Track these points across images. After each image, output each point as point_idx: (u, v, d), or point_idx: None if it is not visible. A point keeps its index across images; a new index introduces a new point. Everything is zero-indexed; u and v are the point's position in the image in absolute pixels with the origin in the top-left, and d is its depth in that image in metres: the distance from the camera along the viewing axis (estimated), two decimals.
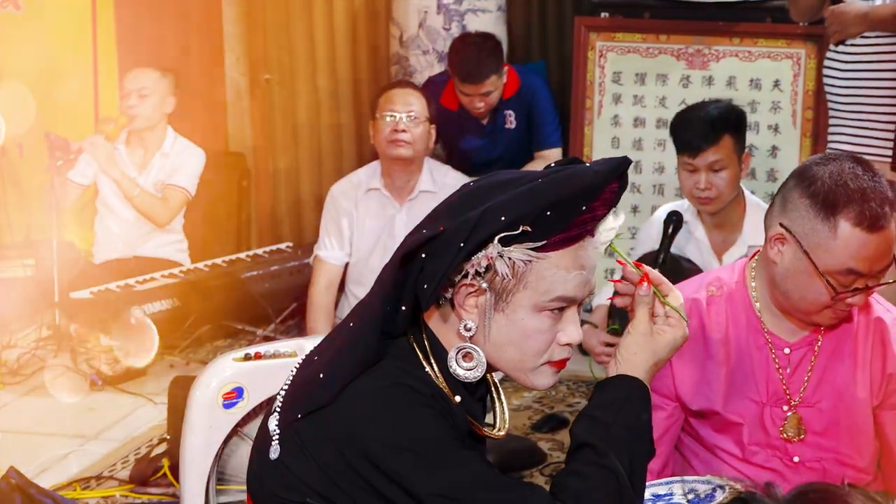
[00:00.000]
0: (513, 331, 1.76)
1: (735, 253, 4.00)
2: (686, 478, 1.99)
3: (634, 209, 5.15)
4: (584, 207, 1.74)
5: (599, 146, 5.18)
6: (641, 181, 5.15)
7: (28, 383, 4.64)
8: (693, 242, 4.10)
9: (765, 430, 2.36)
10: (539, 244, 1.73)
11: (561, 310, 1.77)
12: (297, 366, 1.88)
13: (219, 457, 2.73)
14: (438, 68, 5.32)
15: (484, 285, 1.74)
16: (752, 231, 3.91)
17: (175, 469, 3.62)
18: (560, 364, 1.80)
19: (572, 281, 1.76)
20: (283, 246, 5.58)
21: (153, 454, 3.88)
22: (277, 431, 1.80)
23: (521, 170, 1.85)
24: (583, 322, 4.74)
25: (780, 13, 4.89)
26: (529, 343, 1.77)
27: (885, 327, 2.38)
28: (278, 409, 1.82)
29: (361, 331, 1.78)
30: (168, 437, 3.81)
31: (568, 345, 1.79)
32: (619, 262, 1.84)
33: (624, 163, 1.78)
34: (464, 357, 1.78)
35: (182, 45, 5.87)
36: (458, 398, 1.79)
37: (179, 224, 5.37)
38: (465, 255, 1.71)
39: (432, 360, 1.79)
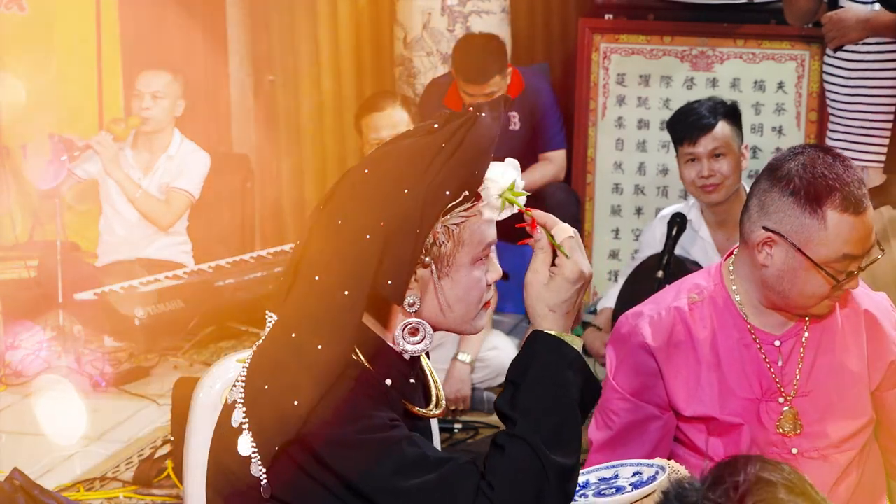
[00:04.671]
0: (459, 289, 1.81)
1: None
2: (631, 461, 1.99)
3: (638, 211, 5.15)
4: (492, 153, 1.81)
5: (603, 148, 5.18)
6: (645, 183, 5.14)
7: (32, 384, 4.64)
8: (698, 243, 4.10)
9: (762, 426, 2.37)
10: (471, 203, 1.79)
11: (487, 255, 1.84)
12: (245, 380, 1.80)
13: None
14: (442, 70, 5.32)
15: (427, 259, 1.77)
16: None
17: (179, 470, 3.62)
18: (489, 304, 1.87)
19: (493, 224, 1.84)
20: (286, 247, 5.57)
21: (157, 455, 3.88)
22: (263, 470, 1.74)
23: (406, 139, 1.83)
24: (585, 324, 4.76)
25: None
26: (472, 295, 1.82)
27: (872, 315, 2.41)
28: (256, 454, 1.75)
29: (337, 352, 1.73)
30: (172, 439, 3.81)
31: (492, 283, 1.87)
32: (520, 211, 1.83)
33: (508, 100, 1.87)
34: (410, 333, 1.81)
35: (186, 46, 5.87)
36: (388, 381, 1.81)
37: (183, 226, 5.38)
38: (422, 239, 1.74)
39: (357, 350, 1.79)
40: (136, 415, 4.37)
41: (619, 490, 1.84)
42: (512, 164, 1.83)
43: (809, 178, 2.24)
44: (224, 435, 1.85)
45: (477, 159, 1.78)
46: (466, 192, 1.77)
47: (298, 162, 5.90)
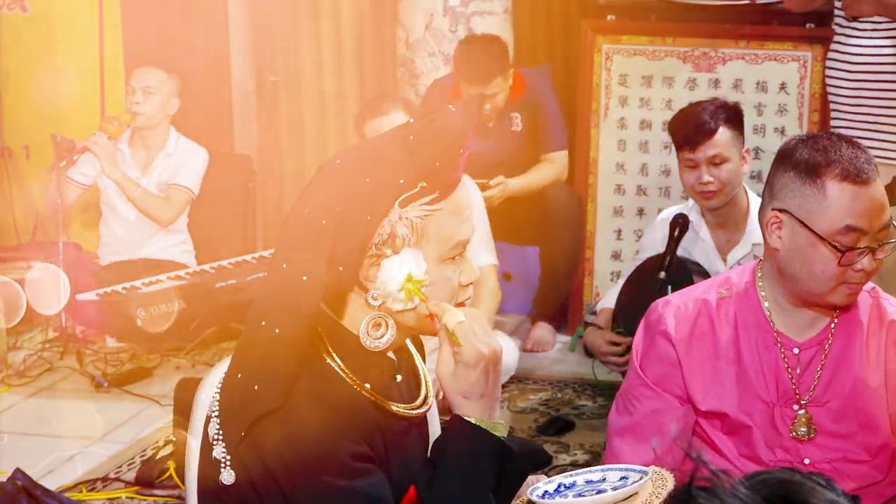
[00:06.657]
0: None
1: (739, 252, 4.02)
2: (622, 465, 1.99)
3: (640, 212, 5.15)
4: (461, 150, 1.77)
5: (605, 149, 5.18)
6: (648, 184, 5.14)
7: (34, 385, 4.64)
8: (699, 244, 4.10)
9: (776, 430, 2.35)
10: (433, 196, 1.76)
11: (461, 254, 1.82)
12: (219, 393, 1.83)
13: None
14: (444, 70, 5.32)
15: (388, 252, 1.76)
16: (756, 229, 3.91)
17: (181, 471, 3.62)
18: (463, 303, 1.84)
19: (466, 223, 1.81)
20: None
21: (159, 456, 3.88)
22: (227, 457, 1.77)
23: (381, 136, 1.86)
24: (588, 324, 4.76)
25: (787, 16, 4.89)
26: (439, 294, 1.80)
27: None
28: (219, 438, 1.78)
29: (295, 335, 1.74)
30: (174, 439, 3.81)
31: (468, 285, 1.84)
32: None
33: (482, 100, 1.85)
34: (373, 326, 1.80)
35: (188, 46, 5.87)
36: (367, 385, 1.80)
37: (184, 223, 5.38)
38: (374, 226, 1.74)
39: (331, 350, 1.79)
40: (138, 415, 4.37)
41: (601, 493, 1.83)
42: (409, 252, 1.77)
43: (810, 151, 2.25)
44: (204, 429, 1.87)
45: (438, 152, 1.75)
46: (424, 184, 1.75)
47: (300, 163, 5.90)
